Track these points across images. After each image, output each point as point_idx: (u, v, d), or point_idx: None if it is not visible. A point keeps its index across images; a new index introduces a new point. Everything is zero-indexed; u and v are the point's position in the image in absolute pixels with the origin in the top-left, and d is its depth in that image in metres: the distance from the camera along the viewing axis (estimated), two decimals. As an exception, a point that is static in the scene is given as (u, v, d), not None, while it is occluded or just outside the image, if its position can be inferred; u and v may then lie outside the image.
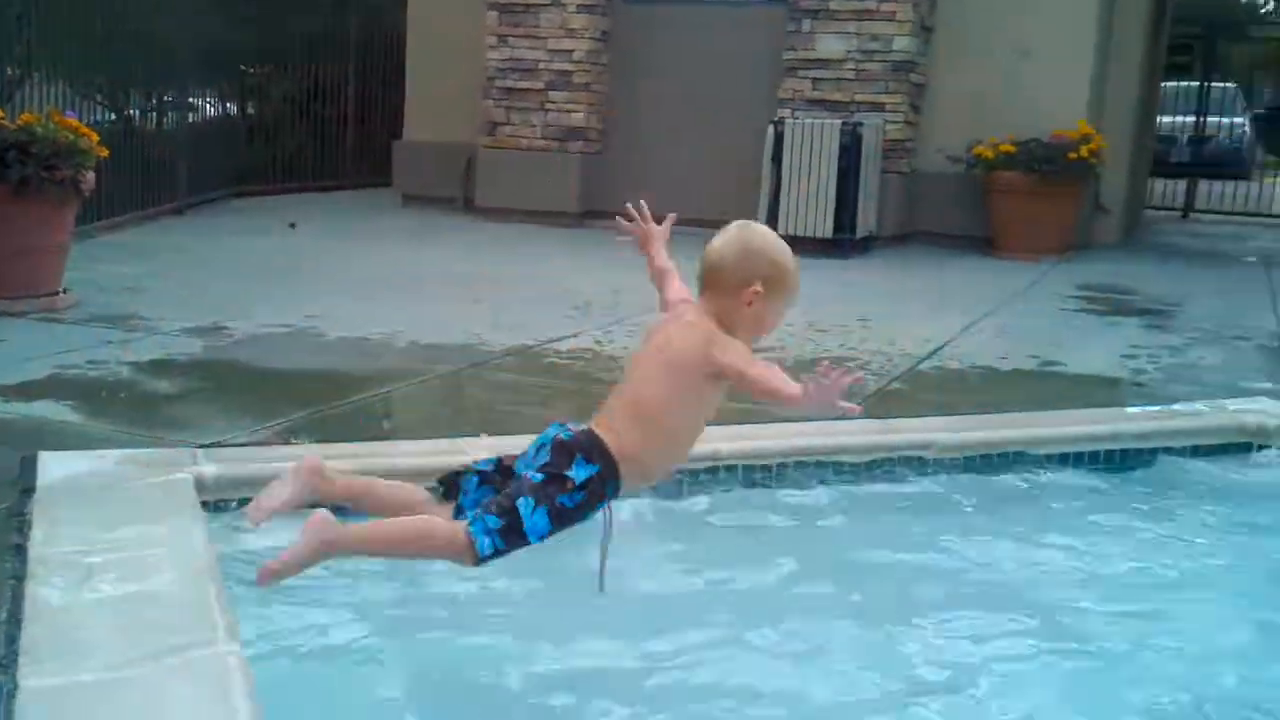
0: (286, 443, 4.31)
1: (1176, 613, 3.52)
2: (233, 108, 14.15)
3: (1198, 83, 17.83)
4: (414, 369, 5.65)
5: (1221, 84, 20.54)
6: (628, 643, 3.14)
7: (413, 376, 5.52)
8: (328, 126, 14.44)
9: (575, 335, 6.57)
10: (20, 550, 3.10)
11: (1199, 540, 4.09)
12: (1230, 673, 3.16)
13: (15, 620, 2.71)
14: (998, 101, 10.81)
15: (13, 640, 2.62)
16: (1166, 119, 17.75)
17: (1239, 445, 4.97)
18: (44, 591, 2.85)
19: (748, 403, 3.19)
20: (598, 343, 6.41)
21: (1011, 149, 10.43)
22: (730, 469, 4.35)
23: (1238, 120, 22.09)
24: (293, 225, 10.70)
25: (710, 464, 4.30)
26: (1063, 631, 3.35)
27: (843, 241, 10.20)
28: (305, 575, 3.37)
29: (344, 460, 3.98)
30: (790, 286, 3.00)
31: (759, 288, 2.93)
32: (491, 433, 4.39)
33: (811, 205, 10.21)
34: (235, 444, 4.26)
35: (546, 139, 11.92)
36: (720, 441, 4.43)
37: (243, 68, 14.14)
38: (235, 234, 10.34)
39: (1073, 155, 10.32)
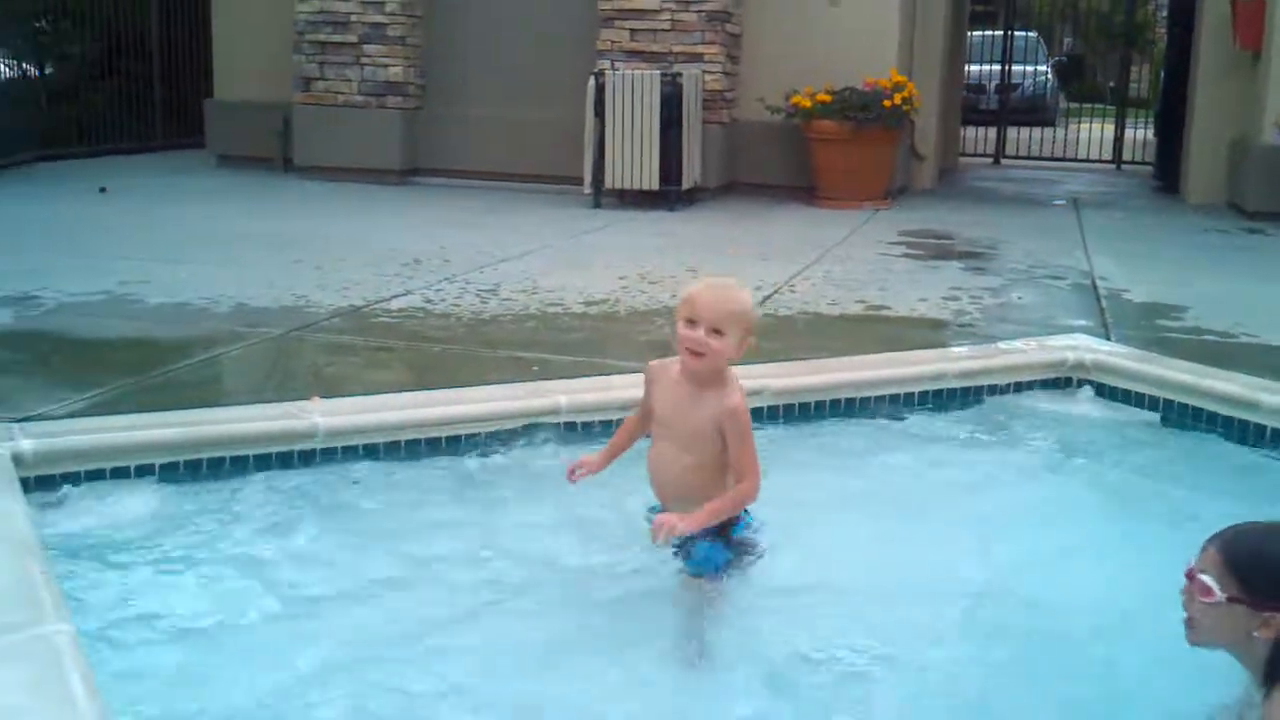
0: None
1: (1010, 540, 3.65)
2: (30, 67, 13.47)
3: (1001, 31, 18.34)
4: (238, 333, 5.48)
5: (1024, 32, 21.19)
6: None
7: (238, 341, 5.36)
8: (134, 85, 13.84)
9: (405, 294, 6.46)
10: None
11: (1025, 471, 4.24)
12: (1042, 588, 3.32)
13: None
14: (812, 51, 10.95)
15: None
16: (974, 68, 18.26)
17: (1058, 381, 5.16)
18: None
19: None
20: (428, 301, 6.31)
21: (828, 98, 10.58)
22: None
23: (1040, 68, 22.84)
24: (103, 190, 10.25)
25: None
26: (902, 563, 3.44)
27: (669, 193, 10.24)
28: (138, 550, 3.31)
29: (173, 430, 3.86)
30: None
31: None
32: (323, 396, 4.30)
33: (636, 157, 10.21)
34: (54, 417, 4.08)
35: (364, 94, 11.65)
36: (561, 395, 4.45)
37: (36, 25, 13.47)
38: (41, 199, 9.88)
39: (888, 103, 10.52)
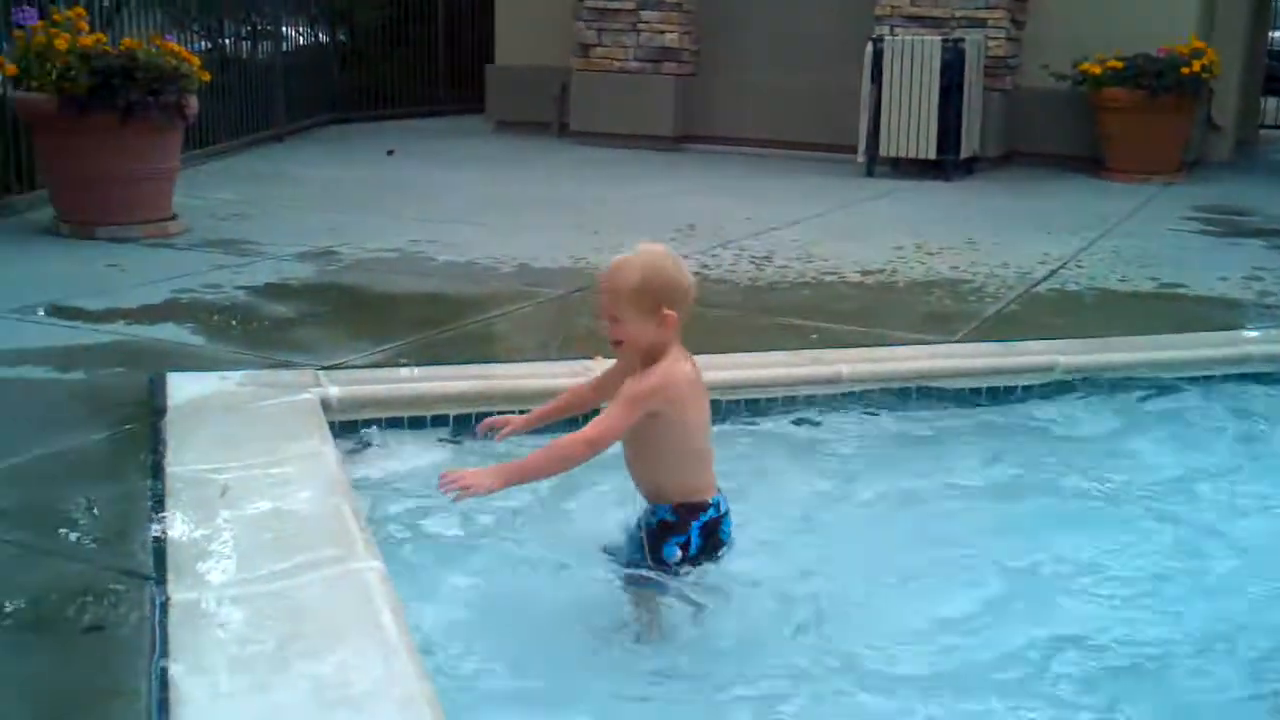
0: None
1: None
2: (324, 35, 14.13)
3: (1311, -4, 17.13)
4: (523, 292, 5.63)
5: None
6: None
7: (523, 300, 5.50)
8: (419, 51, 14.36)
9: (682, 259, 6.48)
10: (158, 469, 3.13)
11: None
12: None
13: (162, 536, 2.74)
14: (1102, 16, 10.45)
15: (160, 556, 2.65)
16: (1278, 34, 17.11)
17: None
18: (185, 509, 2.88)
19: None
20: (704, 266, 6.33)
21: (1119, 65, 10.10)
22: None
23: (1351, 35, 21.24)
24: (390, 152, 10.70)
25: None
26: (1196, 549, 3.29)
27: (946, 162, 9.98)
28: (432, 495, 3.42)
29: (468, 382, 4.00)
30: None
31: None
32: (606, 356, 4.36)
33: (913, 126, 10.00)
34: (355, 366, 4.28)
35: (639, 60, 11.76)
36: (841, 364, 4.41)
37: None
38: (335, 161, 10.38)
39: (1185, 70, 9.97)
